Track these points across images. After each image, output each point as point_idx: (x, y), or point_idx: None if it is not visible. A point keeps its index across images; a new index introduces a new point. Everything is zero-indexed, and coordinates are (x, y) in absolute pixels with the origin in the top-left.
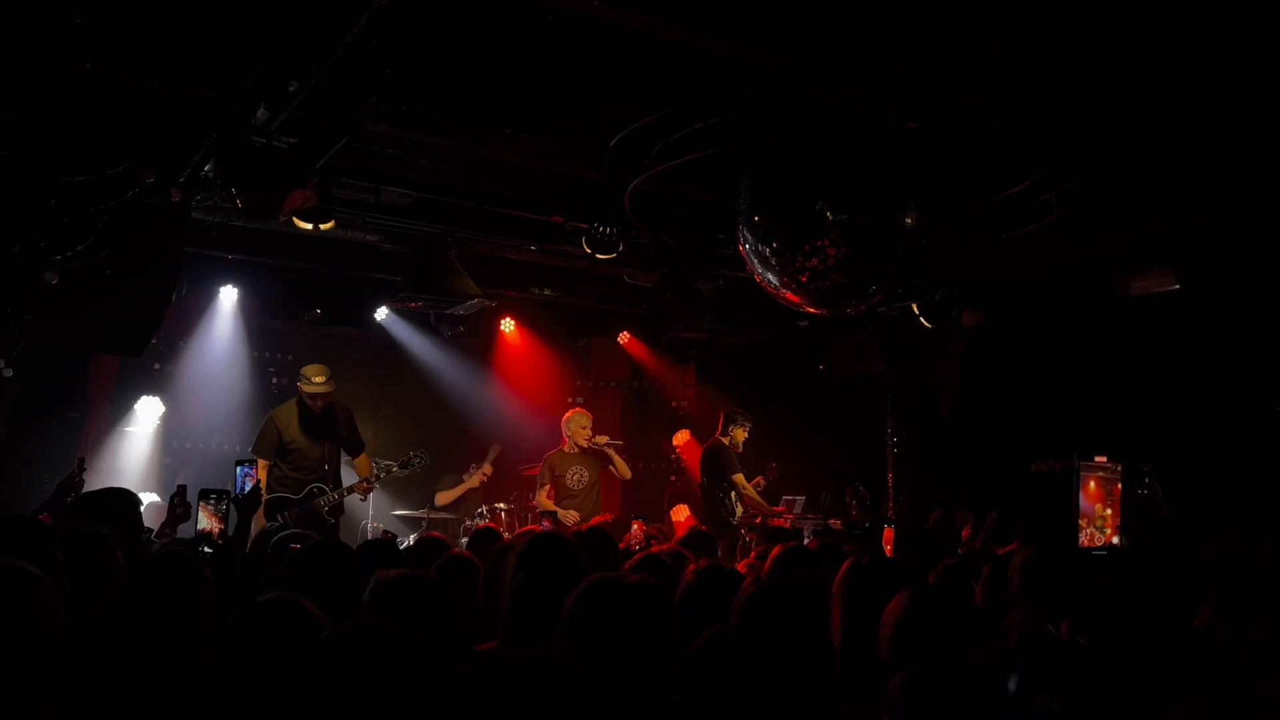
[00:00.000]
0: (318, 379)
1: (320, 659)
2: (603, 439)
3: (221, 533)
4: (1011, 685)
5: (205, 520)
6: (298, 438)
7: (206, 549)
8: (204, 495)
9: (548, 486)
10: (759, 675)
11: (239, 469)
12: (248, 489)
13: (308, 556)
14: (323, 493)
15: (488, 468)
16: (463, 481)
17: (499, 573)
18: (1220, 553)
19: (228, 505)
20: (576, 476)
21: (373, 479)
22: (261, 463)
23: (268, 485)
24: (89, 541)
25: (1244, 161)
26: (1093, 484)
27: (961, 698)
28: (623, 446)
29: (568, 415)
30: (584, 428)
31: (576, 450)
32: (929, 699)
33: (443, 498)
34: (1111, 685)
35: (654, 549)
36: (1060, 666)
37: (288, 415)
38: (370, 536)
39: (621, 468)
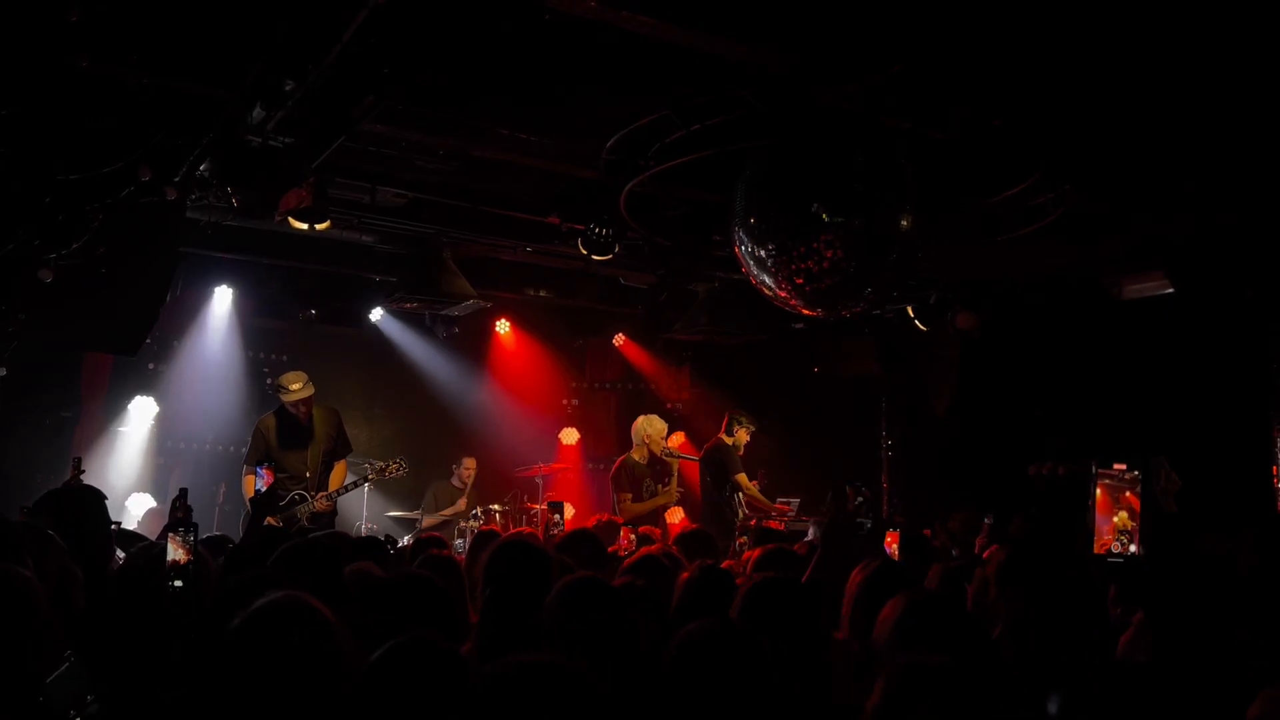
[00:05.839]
0: (294, 385)
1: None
2: (677, 439)
3: (190, 563)
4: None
5: (174, 552)
6: (279, 447)
7: (178, 583)
8: (172, 527)
9: (628, 494)
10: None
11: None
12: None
13: (293, 555)
14: (304, 500)
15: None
16: (455, 505)
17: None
18: (1209, 555)
19: (195, 537)
20: (649, 489)
21: (348, 487)
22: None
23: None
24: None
25: (1239, 164)
26: (1099, 490)
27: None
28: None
29: (644, 419)
30: (663, 436)
31: (646, 460)
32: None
33: (428, 521)
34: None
35: (646, 550)
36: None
37: (270, 425)
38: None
39: (673, 488)
